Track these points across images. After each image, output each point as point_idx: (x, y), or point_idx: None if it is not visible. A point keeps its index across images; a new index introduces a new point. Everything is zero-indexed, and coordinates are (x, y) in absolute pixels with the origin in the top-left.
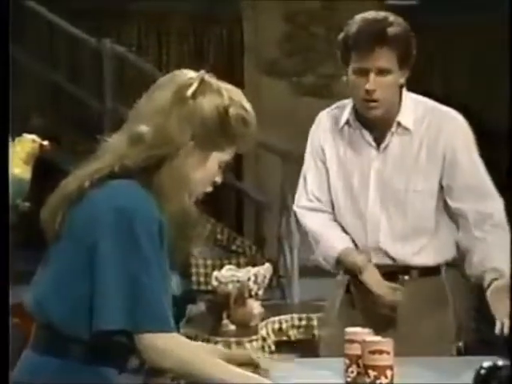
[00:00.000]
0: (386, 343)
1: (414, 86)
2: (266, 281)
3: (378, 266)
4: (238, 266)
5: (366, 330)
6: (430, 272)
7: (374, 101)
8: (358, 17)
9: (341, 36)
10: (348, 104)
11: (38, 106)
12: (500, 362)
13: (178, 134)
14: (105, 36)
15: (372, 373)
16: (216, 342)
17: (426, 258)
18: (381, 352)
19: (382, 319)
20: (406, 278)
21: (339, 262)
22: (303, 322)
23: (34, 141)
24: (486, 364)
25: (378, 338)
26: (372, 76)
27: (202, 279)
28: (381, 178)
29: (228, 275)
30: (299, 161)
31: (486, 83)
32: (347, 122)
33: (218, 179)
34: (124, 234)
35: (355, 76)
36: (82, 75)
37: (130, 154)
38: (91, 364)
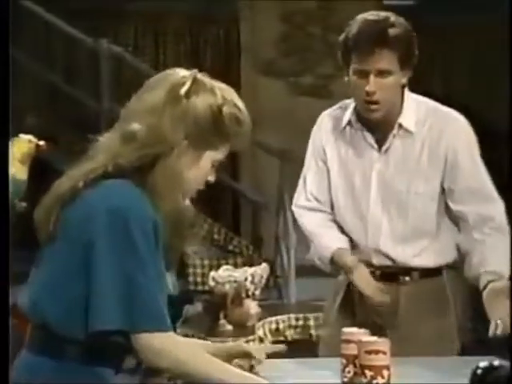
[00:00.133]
0: (382, 343)
1: (415, 86)
2: (263, 281)
3: (379, 267)
4: (235, 266)
5: (363, 330)
6: (431, 273)
7: (375, 103)
8: (359, 17)
9: (341, 37)
10: (350, 104)
11: (35, 106)
12: (496, 362)
13: (172, 132)
14: (102, 36)
15: (368, 373)
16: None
17: (427, 260)
18: (377, 352)
19: (382, 320)
20: (407, 279)
21: (333, 262)
22: (300, 322)
23: (30, 141)
24: (483, 364)
25: (374, 338)
26: (372, 78)
27: (198, 279)
28: (382, 179)
29: (225, 275)
30: (297, 161)
31: (486, 83)
32: (349, 123)
33: (212, 178)
34: (119, 233)
35: (356, 77)
36: (79, 75)
37: (123, 152)
38: (87, 364)
